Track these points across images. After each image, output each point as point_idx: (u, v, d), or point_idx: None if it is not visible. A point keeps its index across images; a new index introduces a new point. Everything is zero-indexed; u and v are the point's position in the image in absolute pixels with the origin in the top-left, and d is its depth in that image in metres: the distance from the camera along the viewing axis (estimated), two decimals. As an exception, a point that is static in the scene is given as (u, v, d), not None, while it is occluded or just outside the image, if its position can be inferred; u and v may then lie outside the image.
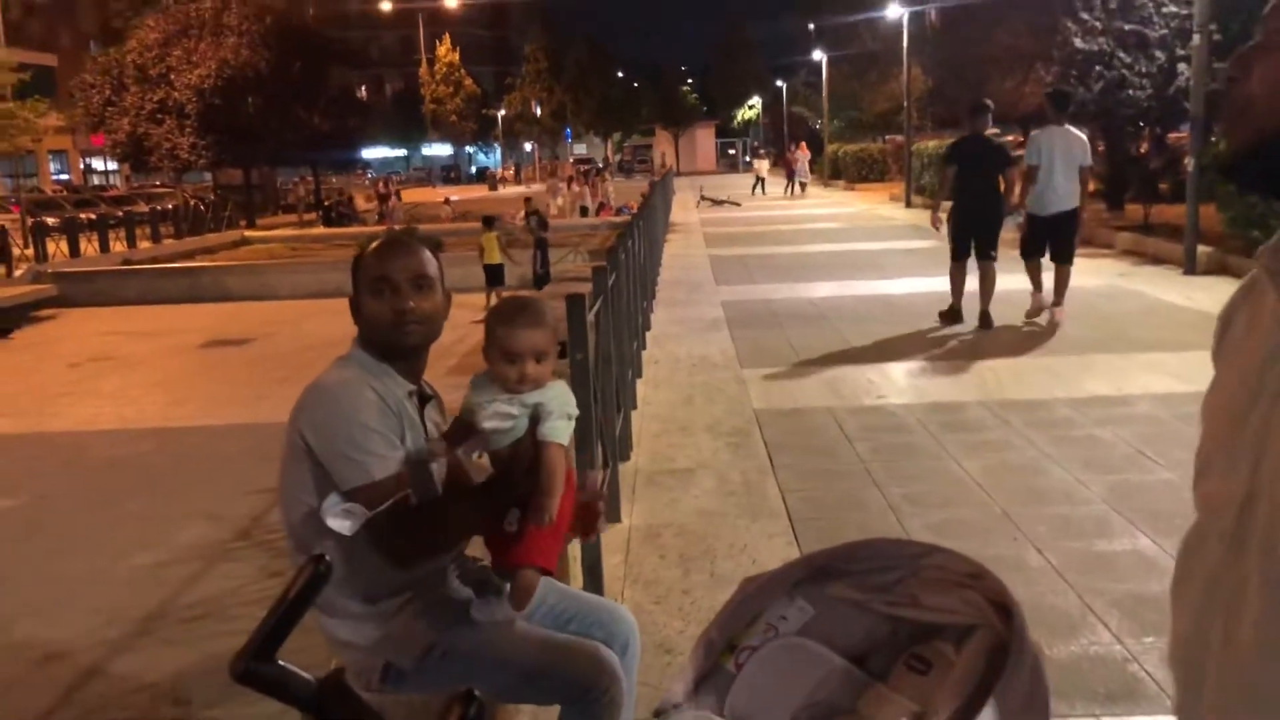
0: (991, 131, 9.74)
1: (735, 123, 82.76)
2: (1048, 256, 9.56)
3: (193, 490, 7.02)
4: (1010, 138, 21.57)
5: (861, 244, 18.15)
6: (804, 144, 40.18)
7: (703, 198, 33.99)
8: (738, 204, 32.66)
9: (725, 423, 6.84)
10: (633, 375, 7.47)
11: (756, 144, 67.03)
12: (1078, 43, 18.71)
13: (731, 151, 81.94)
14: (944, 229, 9.92)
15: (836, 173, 43.21)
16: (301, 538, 2.30)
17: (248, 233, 30.86)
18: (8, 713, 4.06)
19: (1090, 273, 12.61)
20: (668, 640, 3.80)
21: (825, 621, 1.53)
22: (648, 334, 9.97)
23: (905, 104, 30.22)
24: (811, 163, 40.40)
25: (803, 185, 37.69)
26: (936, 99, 34.61)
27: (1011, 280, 10.15)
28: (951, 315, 9.87)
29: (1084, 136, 9.43)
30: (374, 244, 2.42)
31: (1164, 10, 18.16)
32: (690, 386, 7.95)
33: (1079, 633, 3.72)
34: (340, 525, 2.16)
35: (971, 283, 9.74)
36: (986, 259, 9.52)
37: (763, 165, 41.49)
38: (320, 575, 1.22)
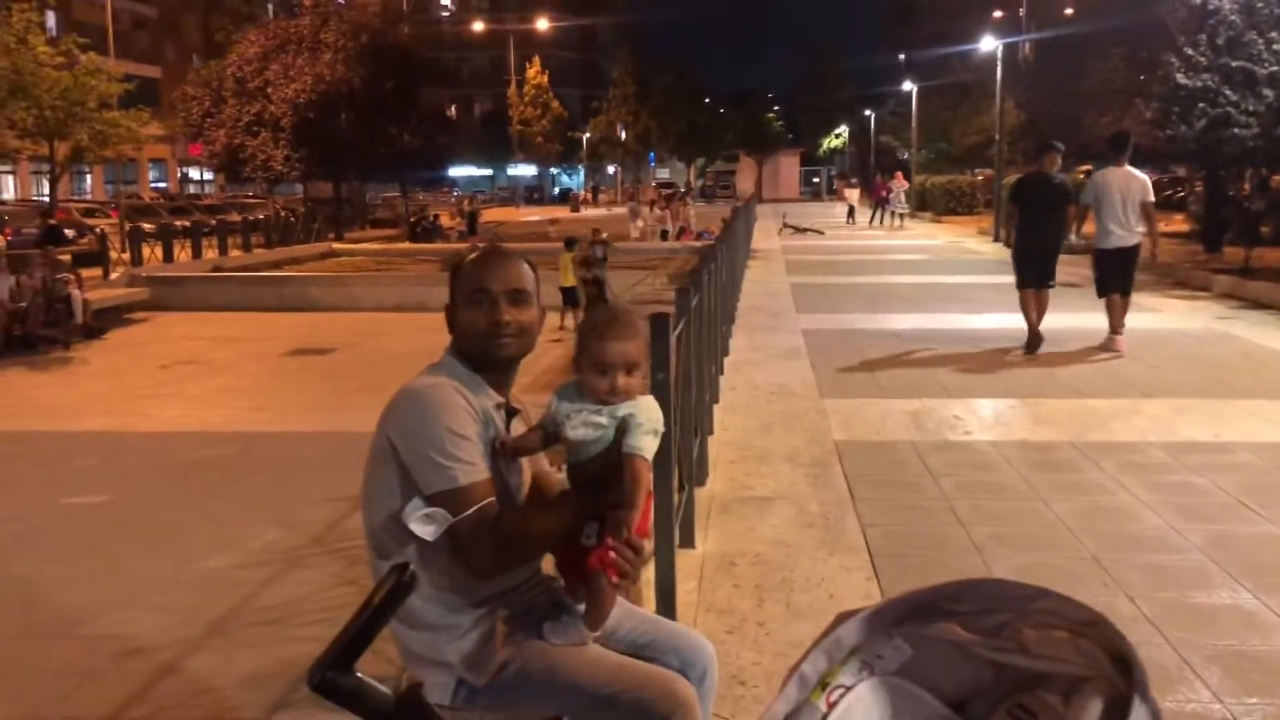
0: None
1: (820, 151, 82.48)
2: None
3: (269, 495, 7.11)
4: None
5: (947, 277, 17.90)
6: (900, 174, 39.80)
7: (785, 225, 33.89)
8: (821, 232, 32.48)
9: (804, 452, 6.75)
10: (710, 400, 7.41)
11: (841, 173, 66.67)
12: (1180, 78, 18.26)
13: (815, 180, 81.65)
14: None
15: (924, 204, 42.76)
16: (381, 542, 2.29)
17: (335, 245, 31.44)
18: (86, 703, 4.13)
19: (1186, 315, 12.25)
20: (741, 672, 3.72)
21: (924, 663, 1.45)
22: (726, 360, 9.92)
23: (996, 137, 29.81)
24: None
25: (901, 216, 37.29)
26: (1028, 133, 34.11)
27: (1087, 318, 9.96)
28: (1032, 343, 10.50)
29: (1144, 176, 10.27)
30: (473, 254, 2.44)
31: (1275, 47, 17.64)
32: (769, 414, 7.87)
33: (1175, 688, 3.55)
34: (422, 530, 2.15)
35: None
36: (1045, 288, 10.50)
37: (853, 195, 41.15)
38: (404, 585, 1.18)
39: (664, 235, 30.69)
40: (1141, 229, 10.07)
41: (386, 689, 1.17)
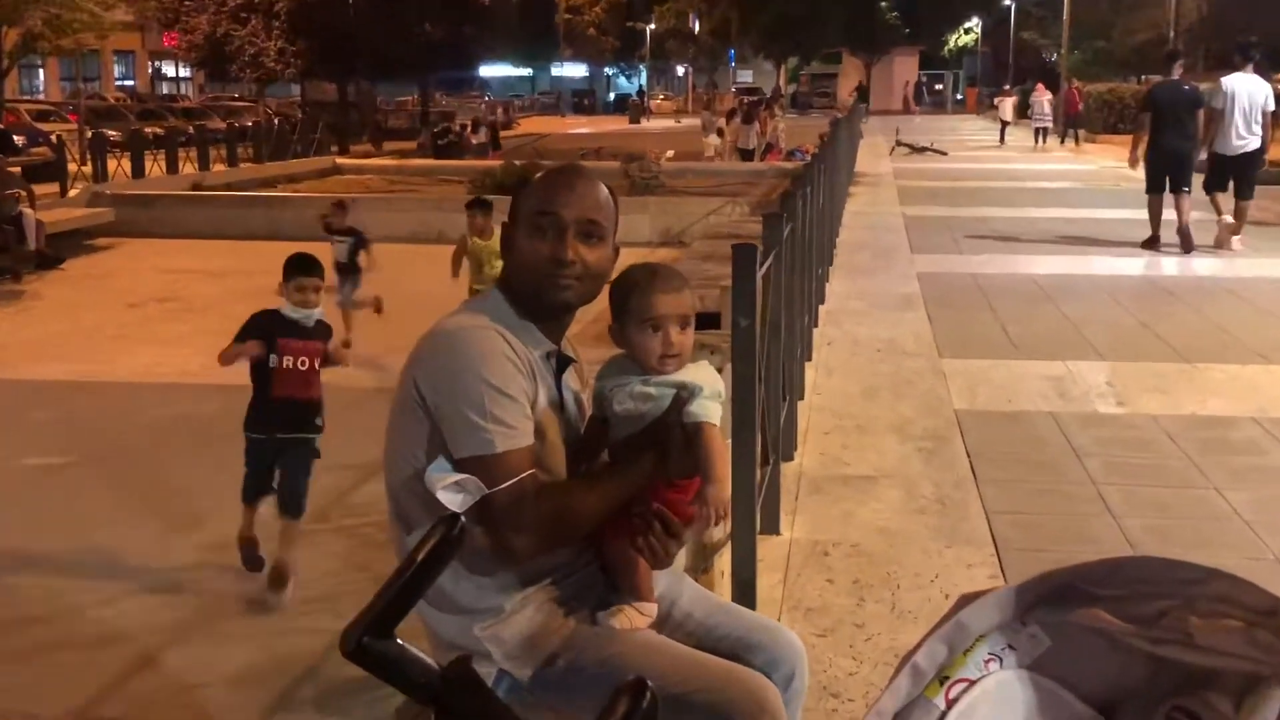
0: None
1: (945, 51, 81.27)
2: (1231, 191, 12.91)
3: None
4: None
5: (1102, 210, 17.66)
6: (1042, 84, 39.12)
7: (898, 143, 33.55)
8: (943, 153, 32.11)
9: (917, 423, 6.77)
10: (802, 356, 7.44)
11: (966, 80, 65.57)
12: None
13: (939, 87, 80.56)
14: (1140, 169, 13.45)
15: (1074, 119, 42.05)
16: (405, 508, 2.37)
17: (340, 160, 31.73)
18: (50, 697, 4.30)
19: None
20: (834, 682, 3.79)
21: (1064, 656, 1.50)
22: (822, 309, 9.92)
23: (1170, 35, 29.20)
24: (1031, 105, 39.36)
25: (1043, 133, 36.80)
26: (1213, 31, 33.35)
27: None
28: (1150, 243, 13.14)
29: (1266, 84, 12.87)
30: (546, 170, 2.51)
31: None
32: (873, 376, 7.89)
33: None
34: (450, 499, 2.22)
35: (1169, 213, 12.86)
36: (1180, 192, 12.83)
37: (1006, 105, 40.35)
38: (453, 539, 1.25)
39: (746, 155, 30.57)
40: (1259, 135, 12.66)
41: (433, 661, 1.24)
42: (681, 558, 3.82)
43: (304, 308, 5.50)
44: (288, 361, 5.46)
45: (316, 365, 5.52)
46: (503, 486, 2.24)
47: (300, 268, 5.57)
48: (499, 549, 2.28)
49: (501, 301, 2.44)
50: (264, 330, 5.48)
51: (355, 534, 5.92)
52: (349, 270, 10.78)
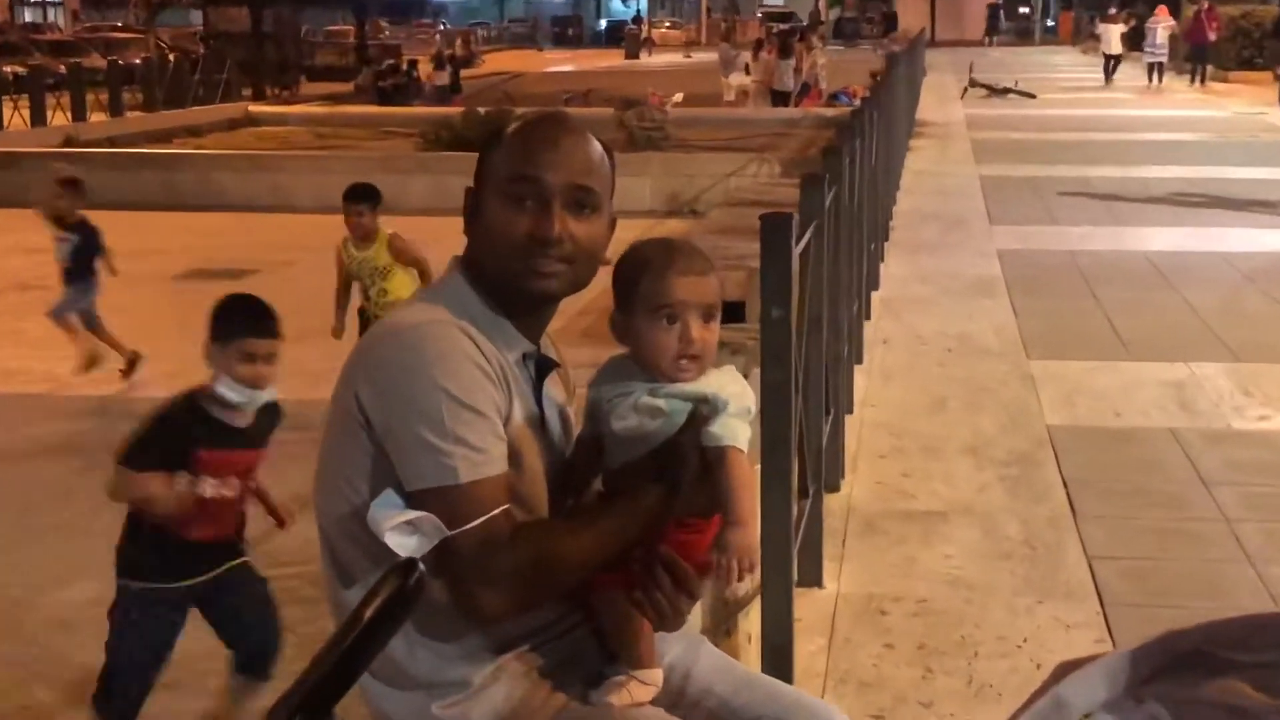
0: None
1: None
2: None
3: (157, 494, 7.27)
4: None
5: (1236, 169, 17.67)
6: (1164, 6, 39.07)
7: (972, 83, 33.55)
8: (1031, 95, 32.14)
9: (999, 443, 6.78)
10: (850, 357, 7.45)
11: (1059, 3, 65.60)
12: None
13: (1024, 10, 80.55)
14: None
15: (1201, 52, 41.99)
16: (342, 556, 2.38)
17: (253, 107, 31.67)
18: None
19: None
20: (894, 779, 3.80)
21: (1194, 740, 1.50)
22: (875, 296, 9.93)
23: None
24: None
25: (1159, 69, 36.80)
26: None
27: None
28: None
29: None
30: (522, 120, 2.49)
31: None
32: (942, 382, 7.90)
33: None
34: (400, 543, 2.21)
35: None
36: None
37: (1112, 34, 40.18)
38: (407, 594, 1.26)
39: (778, 98, 30.58)
40: None
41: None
42: (697, 617, 3.83)
43: (251, 386, 4.32)
44: (211, 488, 4.38)
45: (252, 485, 4.61)
46: (468, 527, 2.23)
47: (248, 317, 4.43)
48: (464, 607, 2.28)
49: (465, 290, 2.44)
50: (179, 439, 4.35)
51: (279, 588, 5.90)
52: (79, 277, 9.84)
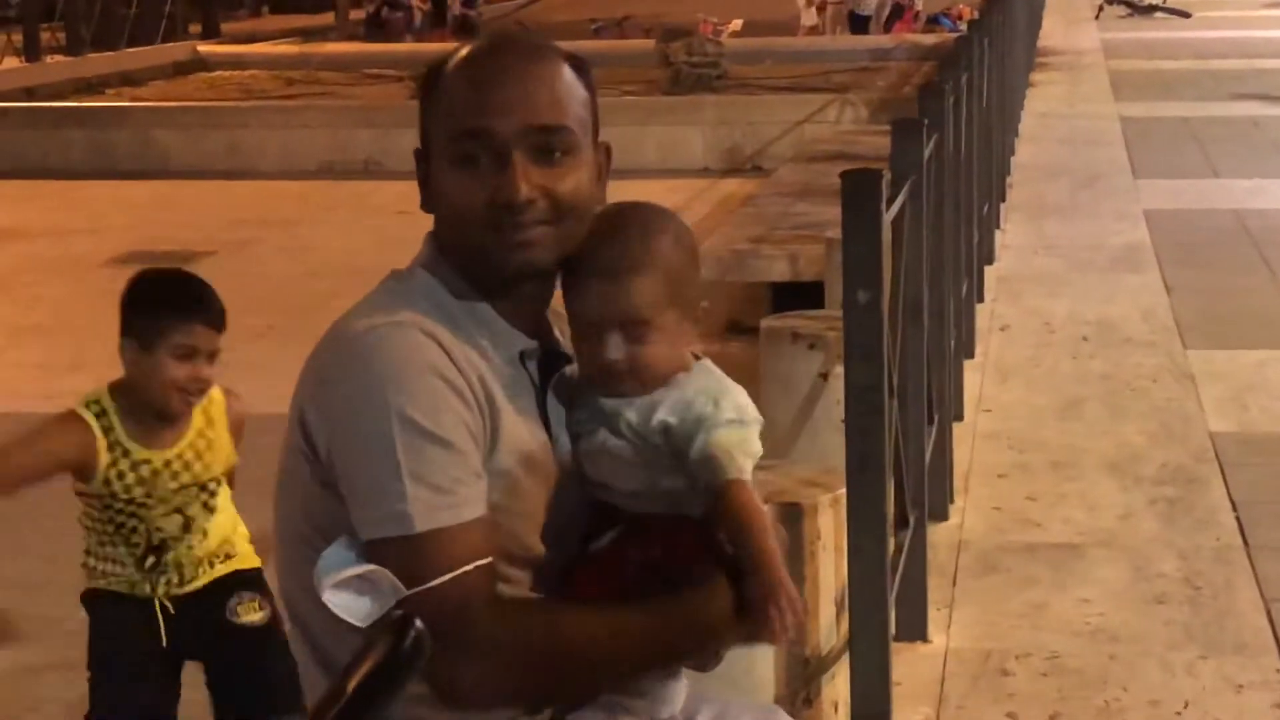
0: None
1: None
2: None
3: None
4: None
5: None
6: None
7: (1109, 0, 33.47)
8: (1185, 13, 31.98)
9: (1149, 456, 6.75)
10: (959, 351, 7.42)
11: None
12: None
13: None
14: None
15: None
16: (301, 612, 2.39)
17: (204, 47, 31.74)
18: None
19: None
20: None
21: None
22: (989, 270, 9.89)
23: None
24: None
25: None
26: None
27: None
28: None
29: None
30: (461, 53, 2.46)
31: None
32: (1076, 380, 7.87)
33: None
34: (344, 605, 2.20)
35: None
36: None
37: None
38: (404, 657, 1.25)
39: (858, 22, 30.53)
40: None
41: None
42: (769, 682, 3.83)
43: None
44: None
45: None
46: (431, 585, 2.22)
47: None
48: (434, 685, 2.25)
49: (430, 279, 2.43)
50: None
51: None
52: None
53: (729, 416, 2.32)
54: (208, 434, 4.33)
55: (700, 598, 2.31)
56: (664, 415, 2.32)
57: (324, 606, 2.29)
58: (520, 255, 2.36)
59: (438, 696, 2.26)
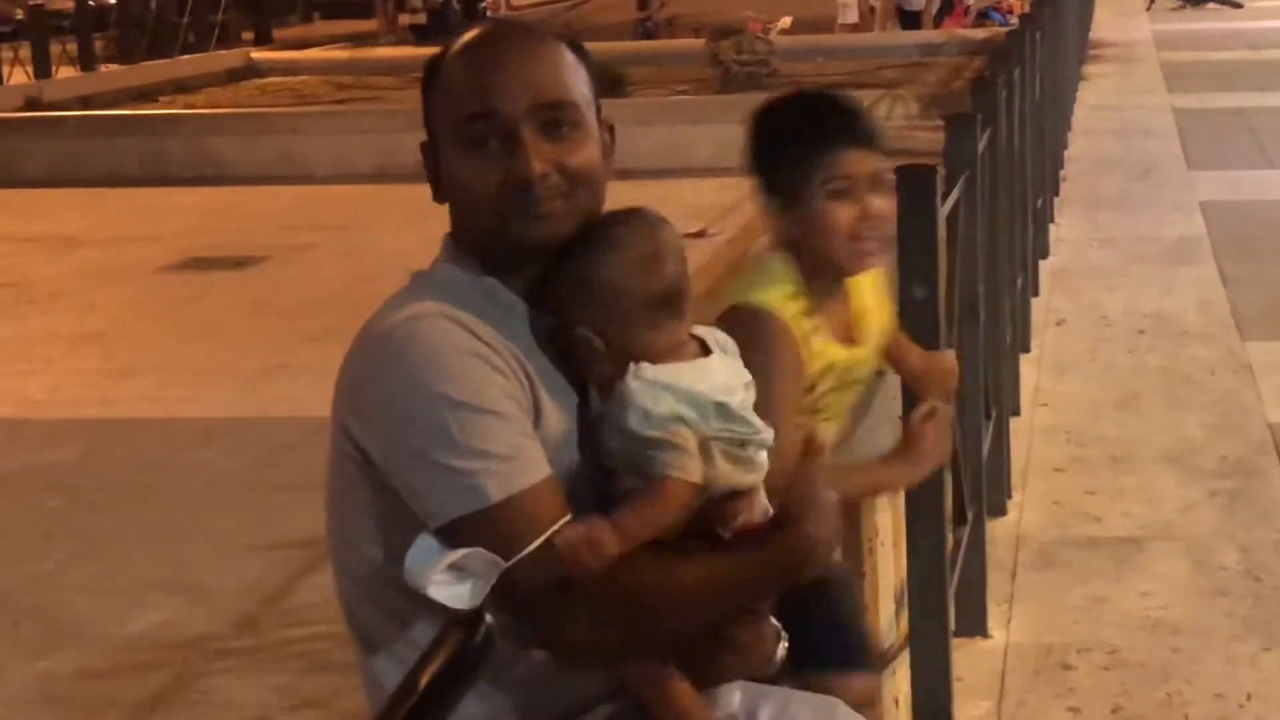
0: None
1: None
2: None
3: (149, 538, 7.34)
4: None
5: None
6: None
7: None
8: (1238, 4, 31.80)
9: (1209, 449, 6.73)
10: (1015, 344, 7.40)
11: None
12: None
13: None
14: None
15: None
16: (360, 615, 2.42)
17: (257, 53, 31.83)
18: None
19: None
20: None
21: None
22: (1044, 265, 9.86)
23: None
24: None
25: None
26: None
27: None
28: None
29: None
30: (458, 45, 2.49)
31: None
32: (1134, 374, 7.84)
33: None
34: (450, 595, 2.20)
35: None
36: None
37: None
38: (474, 652, 1.26)
39: (909, 19, 30.45)
40: None
41: None
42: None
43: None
44: None
45: None
46: (529, 550, 2.25)
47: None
48: (549, 647, 2.32)
49: (454, 270, 2.45)
50: None
51: (304, 651, 5.95)
52: None
53: (653, 411, 2.35)
54: None
55: (768, 537, 2.38)
56: (614, 432, 2.39)
57: (371, 600, 2.37)
58: (540, 229, 2.40)
59: (554, 656, 2.32)
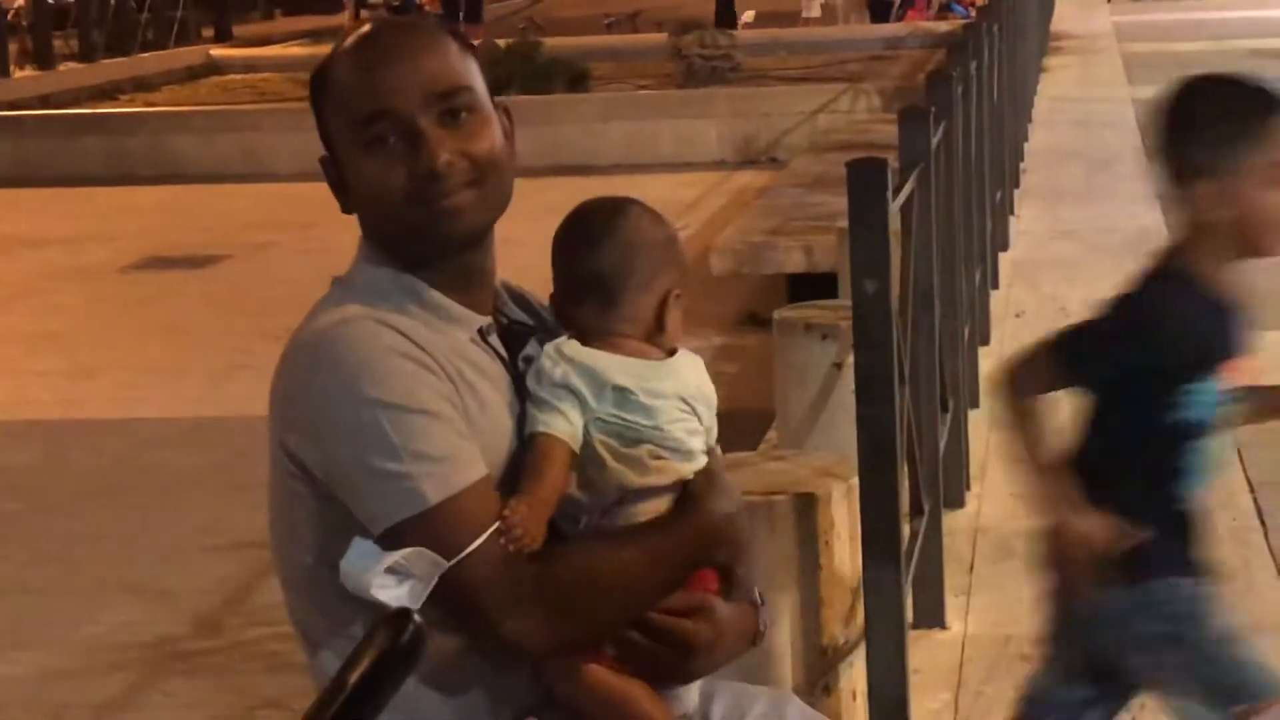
0: None
1: None
2: None
3: (109, 539, 7.33)
4: None
5: None
6: None
7: (1122, -17, 33.41)
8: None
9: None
10: (973, 338, 7.41)
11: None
12: None
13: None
14: None
15: None
16: (304, 618, 2.41)
17: (217, 50, 31.70)
18: None
19: None
20: None
21: None
22: (1004, 257, 9.87)
23: None
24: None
25: None
26: None
27: None
28: None
29: None
30: (340, 52, 2.47)
31: None
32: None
33: None
34: (392, 595, 2.19)
35: None
36: None
37: None
38: (402, 650, 1.26)
39: (875, 11, 30.47)
40: None
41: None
42: (787, 671, 3.83)
43: None
44: None
45: None
46: (471, 550, 2.23)
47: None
48: (500, 643, 2.29)
49: (373, 271, 2.43)
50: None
51: (263, 653, 5.95)
52: None
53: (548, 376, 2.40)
54: None
55: (694, 507, 2.40)
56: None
57: (314, 604, 2.35)
58: (452, 222, 2.37)
59: (508, 654, 2.30)
